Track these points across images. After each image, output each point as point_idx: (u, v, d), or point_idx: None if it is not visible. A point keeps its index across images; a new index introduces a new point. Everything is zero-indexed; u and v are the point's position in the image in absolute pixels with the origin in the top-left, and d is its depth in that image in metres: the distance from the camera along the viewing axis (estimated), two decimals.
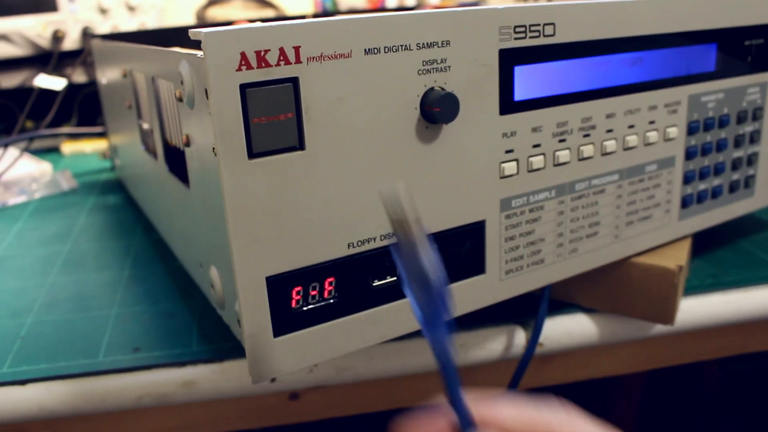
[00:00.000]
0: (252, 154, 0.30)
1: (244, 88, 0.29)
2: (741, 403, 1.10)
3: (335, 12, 0.84)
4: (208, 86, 0.29)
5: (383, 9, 0.87)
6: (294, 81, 0.30)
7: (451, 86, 0.34)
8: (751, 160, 0.52)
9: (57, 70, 0.96)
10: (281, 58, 0.30)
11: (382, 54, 0.32)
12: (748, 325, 0.52)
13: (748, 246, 0.58)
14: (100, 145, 0.94)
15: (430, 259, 0.25)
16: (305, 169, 0.32)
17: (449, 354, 0.26)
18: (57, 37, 0.95)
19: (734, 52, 0.47)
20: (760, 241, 0.59)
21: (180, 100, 0.36)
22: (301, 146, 0.31)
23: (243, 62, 0.29)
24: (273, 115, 0.30)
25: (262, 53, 0.29)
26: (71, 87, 0.92)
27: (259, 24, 0.29)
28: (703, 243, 0.57)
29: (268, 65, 0.29)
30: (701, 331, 0.51)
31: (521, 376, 0.43)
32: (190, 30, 0.30)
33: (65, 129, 0.91)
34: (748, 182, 0.52)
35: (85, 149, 0.94)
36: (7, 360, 0.44)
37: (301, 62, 0.30)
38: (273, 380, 0.43)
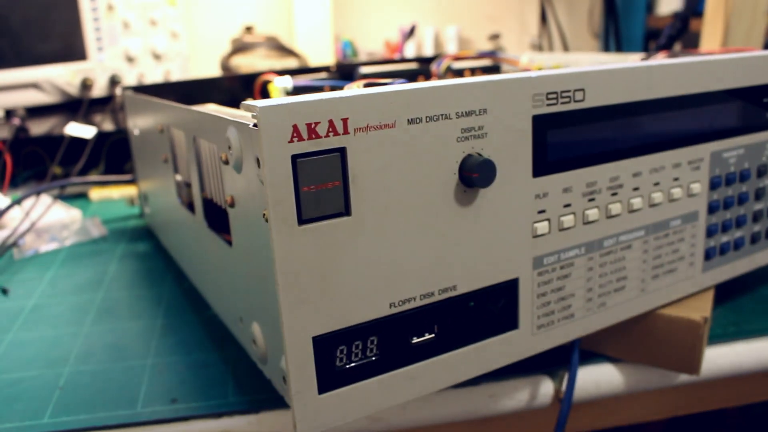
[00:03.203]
0: (301, 221, 0.32)
1: (295, 158, 0.31)
2: None
3: (355, 63, 0.86)
4: (262, 157, 0.30)
5: (404, 59, 0.89)
6: (342, 151, 0.32)
7: (488, 152, 0.36)
8: None
9: (85, 118, 0.98)
10: (330, 129, 0.31)
11: (424, 123, 0.34)
12: None
13: None
14: (128, 191, 0.96)
15: None
16: (351, 234, 0.33)
17: None
18: (86, 85, 0.98)
19: (753, 109, 0.49)
20: None
21: (226, 163, 0.37)
22: (347, 212, 0.33)
23: (295, 134, 0.31)
24: (321, 184, 0.32)
25: (313, 125, 0.31)
26: (99, 134, 0.94)
27: (309, 96, 0.31)
28: (725, 292, 0.58)
29: (318, 136, 0.31)
30: (725, 380, 0.52)
31: (563, 427, 0.44)
32: (243, 102, 0.32)
33: (95, 177, 0.93)
34: None
35: (112, 195, 0.96)
36: (48, 410, 0.45)
37: (349, 133, 0.32)
38: None
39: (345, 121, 0.32)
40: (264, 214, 0.32)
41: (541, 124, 0.38)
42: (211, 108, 0.51)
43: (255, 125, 0.31)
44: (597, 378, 0.49)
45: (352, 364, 0.35)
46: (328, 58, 1.45)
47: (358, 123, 0.32)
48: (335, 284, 0.33)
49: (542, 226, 0.40)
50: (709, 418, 1.05)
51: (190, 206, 0.54)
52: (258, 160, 0.31)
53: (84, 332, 0.57)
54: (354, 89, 0.35)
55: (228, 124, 0.36)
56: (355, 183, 0.33)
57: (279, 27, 1.45)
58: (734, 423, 1.08)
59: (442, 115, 0.34)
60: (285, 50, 1.09)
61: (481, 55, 0.87)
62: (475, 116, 0.35)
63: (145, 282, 0.67)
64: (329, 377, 0.34)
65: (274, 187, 0.31)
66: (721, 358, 0.51)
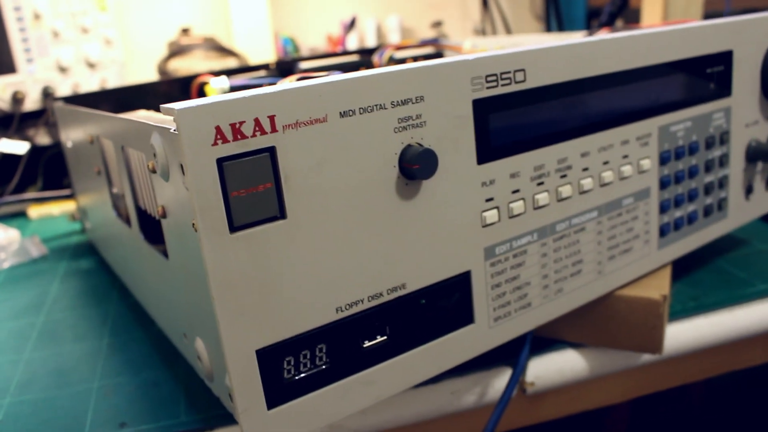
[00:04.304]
0: (233, 228, 0.30)
1: (220, 162, 0.29)
2: (726, 415, 1.11)
3: (295, 59, 0.84)
4: (184, 163, 0.28)
5: (345, 52, 0.87)
6: (271, 150, 0.30)
7: (428, 141, 0.34)
8: (722, 183, 0.52)
9: (19, 132, 0.94)
10: (257, 128, 0.29)
11: (357, 115, 0.32)
12: (733, 344, 0.53)
13: (726, 265, 0.59)
14: (68, 206, 0.92)
15: None
16: (288, 238, 0.31)
17: None
18: (17, 99, 0.94)
19: (698, 81, 0.48)
20: (737, 259, 0.60)
21: (153, 171, 0.35)
22: (282, 215, 0.31)
23: (218, 136, 0.29)
24: (252, 187, 0.30)
25: (237, 125, 0.29)
26: (35, 149, 0.90)
27: (232, 95, 0.29)
28: (683, 266, 0.57)
29: (243, 137, 0.29)
30: (688, 355, 0.52)
31: (499, 418, 0.42)
32: (162, 106, 0.30)
33: (31, 194, 0.89)
34: (722, 205, 0.53)
35: (53, 212, 0.92)
36: None
37: (277, 131, 0.30)
38: None
39: (272, 118, 0.30)
40: (193, 224, 0.30)
41: (483, 108, 0.36)
42: (141, 114, 0.48)
43: (176, 129, 0.29)
44: (560, 365, 0.48)
45: (302, 375, 0.33)
46: (269, 57, 1.43)
47: (286, 120, 0.30)
48: (276, 292, 0.31)
49: (491, 215, 0.38)
50: (673, 394, 1.06)
51: (128, 219, 0.51)
52: (182, 166, 0.29)
53: (25, 359, 0.54)
54: (281, 84, 0.33)
55: (152, 130, 0.34)
56: (289, 183, 0.31)
57: (217, 27, 1.41)
58: (698, 396, 1.09)
59: (376, 105, 0.32)
60: (224, 50, 1.06)
61: (424, 43, 0.85)
62: (411, 104, 0.33)
63: (90, 300, 0.64)
64: (278, 391, 0.32)
65: (201, 194, 0.29)
66: (683, 334, 0.51)
